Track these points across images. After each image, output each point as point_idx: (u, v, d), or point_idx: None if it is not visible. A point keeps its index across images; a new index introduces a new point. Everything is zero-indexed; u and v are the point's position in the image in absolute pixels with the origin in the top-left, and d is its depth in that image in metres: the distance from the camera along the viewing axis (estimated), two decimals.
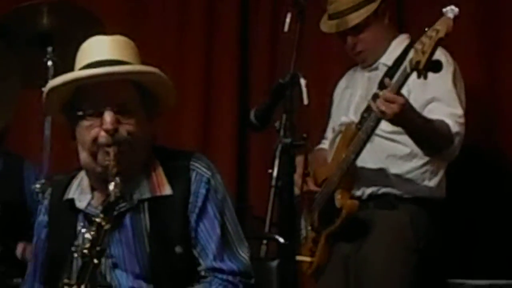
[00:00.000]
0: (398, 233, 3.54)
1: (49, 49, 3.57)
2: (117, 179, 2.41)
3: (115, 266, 2.56)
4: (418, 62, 3.13)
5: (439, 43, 3.09)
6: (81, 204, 2.63)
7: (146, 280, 2.54)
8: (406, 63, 3.26)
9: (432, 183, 3.59)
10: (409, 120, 3.33)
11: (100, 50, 2.58)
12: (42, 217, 2.74)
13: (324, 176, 3.63)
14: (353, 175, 3.55)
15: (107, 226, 2.38)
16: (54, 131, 3.60)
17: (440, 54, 3.40)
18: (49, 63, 3.56)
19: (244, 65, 4.58)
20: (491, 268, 3.79)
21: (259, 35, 4.58)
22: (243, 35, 4.61)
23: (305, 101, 2.48)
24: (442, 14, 3.08)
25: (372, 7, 3.60)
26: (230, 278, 2.55)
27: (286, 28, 2.77)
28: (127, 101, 2.55)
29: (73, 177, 2.72)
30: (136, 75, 2.58)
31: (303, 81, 2.52)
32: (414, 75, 3.23)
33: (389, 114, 3.25)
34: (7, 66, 3.43)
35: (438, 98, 3.48)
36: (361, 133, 3.46)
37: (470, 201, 3.92)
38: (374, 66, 3.70)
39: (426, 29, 3.15)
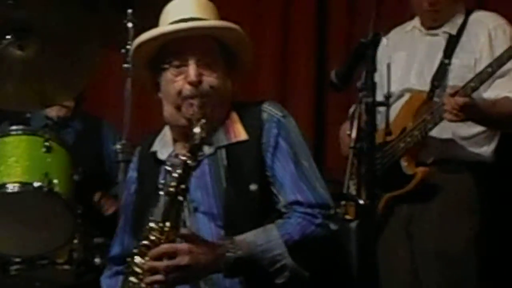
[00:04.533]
0: (463, 196, 3.57)
1: (130, 11, 3.59)
2: (202, 121, 2.49)
3: (195, 210, 2.63)
4: None
5: None
6: (163, 155, 2.74)
7: (222, 221, 2.60)
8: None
9: (491, 148, 3.61)
10: (477, 115, 3.41)
11: (183, 9, 2.70)
12: (131, 173, 2.87)
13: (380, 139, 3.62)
14: (421, 142, 3.57)
15: (193, 164, 2.46)
16: (134, 92, 3.63)
17: (503, 24, 3.57)
18: (129, 25, 3.59)
19: (322, 23, 4.54)
20: None
21: None
22: None
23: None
24: None
25: None
26: (308, 210, 2.57)
27: None
28: (209, 55, 2.66)
29: (157, 133, 2.82)
30: (217, 30, 2.69)
31: (384, 41, 2.50)
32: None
33: (457, 120, 3.40)
34: (87, 28, 3.47)
35: (504, 73, 3.47)
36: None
37: None
38: (435, 31, 3.70)
39: None
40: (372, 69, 2.47)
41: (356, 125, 2.98)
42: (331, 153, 4.39)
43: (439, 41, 3.68)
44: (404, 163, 3.59)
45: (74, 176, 3.38)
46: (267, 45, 4.60)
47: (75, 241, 3.43)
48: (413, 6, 3.73)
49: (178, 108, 2.66)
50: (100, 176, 4.06)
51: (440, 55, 3.64)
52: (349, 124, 2.80)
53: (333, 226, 2.59)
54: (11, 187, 3.23)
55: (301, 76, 4.55)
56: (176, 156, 2.58)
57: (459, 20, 3.67)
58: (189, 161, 2.45)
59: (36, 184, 3.22)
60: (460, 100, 3.37)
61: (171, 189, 2.45)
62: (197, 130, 2.47)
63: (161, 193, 2.51)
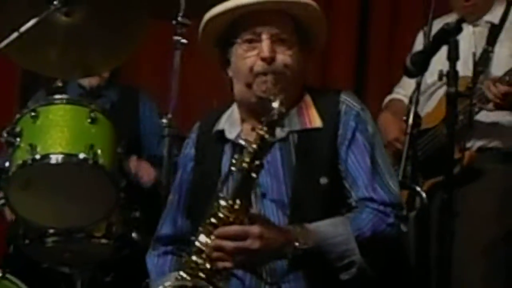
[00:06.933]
0: (507, 185, 3.50)
1: None
2: (281, 96, 2.36)
3: (263, 195, 2.55)
4: None
5: None
6: (231, 135, 2.64)
7: (290, 210, 2.52)
8: None
9: None
10: None
11: None
12: (189, 150, 2.77)
13: (425, 126, 3.53)
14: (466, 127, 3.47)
15: (270, 139, 2.33)
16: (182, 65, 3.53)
17: None
18: None
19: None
20: None
21: None
22: None
23: (473, 49, 2.37)
24: None
25: None
26: (381, 207, 2.50)
27: None
28: (284, 31, 2.57)
29: (223, 111, 2.73)
30: (293, 5, 2.58)
31: (471, 28, 2.40)
32: None
33: (500, 109, 3.37)
34: None
35: None
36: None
37: None
38: (476, 22, 3.63)
39: None
40: (455, 57, 2.37)
41: (413, 110, 2.92)
42: None
43: (482, 31, 3.62)
44: None
45: (118, 148, 3.29)
46: (340, 28, 4.55)
47: (115, 214, 3.35)
48: (451, 2, 3.68)
49: (249, 85, 2.56)
50: (136, 148, 3.99)
51: (483, 43, 3.58)
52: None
53: (403, 228, 2.52)
54: (55, 158, 3.13)
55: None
56: (253, 129, 2.44)
57: (500, 9, 3.63)
58: (266, 136, 2.32)
59: (81, 156, 3.12)
60: (502, 88, 3.31)
61: (245, 165, 2.33)
62: (275, 104, 2.34)
63: (233, 168, 2.38)
